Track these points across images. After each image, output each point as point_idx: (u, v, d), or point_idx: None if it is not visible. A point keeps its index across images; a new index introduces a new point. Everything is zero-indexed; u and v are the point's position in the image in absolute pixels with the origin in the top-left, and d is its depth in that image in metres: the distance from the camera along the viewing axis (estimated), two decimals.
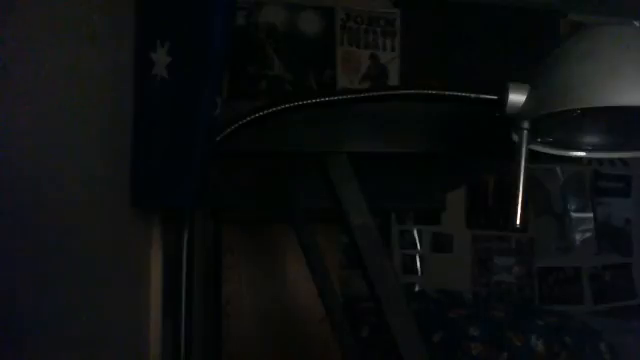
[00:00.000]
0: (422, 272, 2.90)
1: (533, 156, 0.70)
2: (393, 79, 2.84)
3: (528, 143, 0.68)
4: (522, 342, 1.88)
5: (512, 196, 0.67)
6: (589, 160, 2.88)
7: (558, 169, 3.08)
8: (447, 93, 0.75)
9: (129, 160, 0.74)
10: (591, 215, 3.15)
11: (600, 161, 3.01)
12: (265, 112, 0.80)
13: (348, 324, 1.60)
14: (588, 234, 3.14)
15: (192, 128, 0.72)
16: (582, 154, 0.76)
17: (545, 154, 0.75)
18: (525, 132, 0.68)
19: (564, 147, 0.76)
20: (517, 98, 0.69)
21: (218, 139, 0.77)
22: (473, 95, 0.74)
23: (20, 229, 0.46)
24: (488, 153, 0.93)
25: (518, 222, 0.66)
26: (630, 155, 0.76)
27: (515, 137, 0.70)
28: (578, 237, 3.13)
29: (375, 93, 0.82)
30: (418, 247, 2.91)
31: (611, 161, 3.09)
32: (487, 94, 0.73)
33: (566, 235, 3.11)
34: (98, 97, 0.65)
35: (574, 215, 3.13)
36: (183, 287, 0.83)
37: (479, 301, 2.71)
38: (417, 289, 2.83)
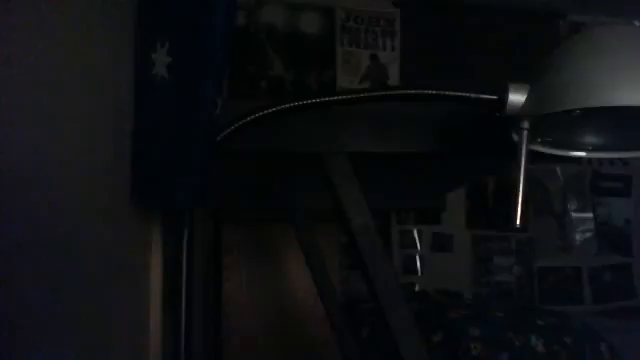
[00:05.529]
0: (422, 272, 2.90)
1: (533, 156, 0.70)
2: (393, 79, 2.84)
3: (528, 143, 0.68)
4: (522, 342, 1.88)
5: (512, 196, 0.67)
6: (589, 160, 2.88)
7: (558, 169, 3.08)
8: (447, 93, 0.75)
9: (129, 160, 0.74)
10: (591, 215, 3.15)
11: (600, 161, 3.01)
12: (265, 112, 0.80)
13: (348, 324, 1.60)
14: (588, 234, 3.13)
15: (192, 128, 0.72)
16: (582, 154, 0.76)
17: (545, 154, 0.75)
18: (525, 132, 0.68)
19: (564, 147, 0.76)
20: (517, 98, 0.69)
21: (218, 139, 0.78)
22: (473, 95, 0.74)
23: (19, 229, 0.46)
24: (488, 153, 0.94)
25: (518, 222, 0.67)
26: (630, 155, 0.76)
27: (515, 137, 0.70)
28: (578, 237, 3.12)
29: (375, 93, 0.82)
30: (418, 247, 2.90)
31: (611, 161, 3.09)
32: (487, 94, 0.73)
33: (566, 235, 3.11)
34: (98, 97, 0.65)
35: (574, 215, 3.13)
36: (183, 287, 0.83)
37: (479, 301, 2.71)
38: (417, 289, 2.83)
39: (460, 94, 0.75)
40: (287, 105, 0.80)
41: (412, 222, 2.90)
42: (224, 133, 0.79)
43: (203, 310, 1.73)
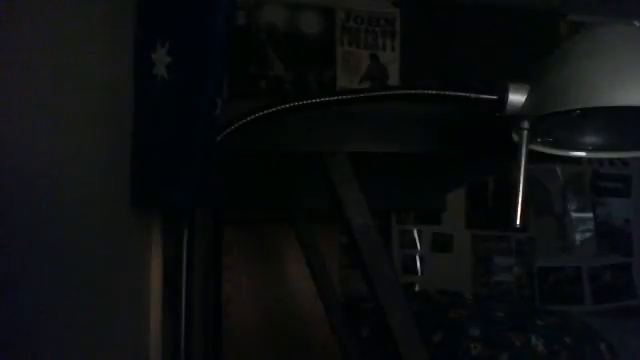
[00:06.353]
0: (422, 272, 2.90)
1: (533, 156, 0.70)
2: (393, 79, 2.84)
3: (528, 143, 0.68)
4: (522, 342, 1.88)
5: (512, 196, 0.67)
6: (589, 160, 2.88)
7: (558, 169, 3.08)
8: (447, 93, 0.75)
9: (129, 160, 0.74)
10: (591, 215, 3.15)
11: (600, 161, 3.01)
12: (265, 112, 0.80)
13: (348, 324, 1.60)
14: (588, 234, 3.14)
15: (192, 128, 0.72)
16: (582, 154, 0.76)
17: (545, 154, 0.75)
18: (525, 132, 0.68)
19: (564, 147, 0.76)
20: (517, 98, 0.69)
21: (218, 139, 0.77)
22: (473, 95, 0.73)
23: (19, 229, 0.46)
24: (488, 153, 0.93)
25: (518, 222, 0.66)
26: (630, 155, 0.76)
27: (515, 137, 0.70)
28: (578, 237, 3.12)
29: (375, 93, 0.82)
30: (418, 247, 2.91)
31: (611, 161, 3.09)
32: (487, 94, 0.73)
33: (566, 235, 3.11)
34: (98, 97, 0.65)
35: (574, 215, 3.13)
36: (183, 287, 0.83)
37: (479, 301, 2.70)
38: (417, 289, 2.83)
39: (460, 94, 0.74)
40: (287, 105, 0.80)
41: (412, 222, 2.90)
42: (224, 133, 0.79)
43: (203, 310, 1.73)
